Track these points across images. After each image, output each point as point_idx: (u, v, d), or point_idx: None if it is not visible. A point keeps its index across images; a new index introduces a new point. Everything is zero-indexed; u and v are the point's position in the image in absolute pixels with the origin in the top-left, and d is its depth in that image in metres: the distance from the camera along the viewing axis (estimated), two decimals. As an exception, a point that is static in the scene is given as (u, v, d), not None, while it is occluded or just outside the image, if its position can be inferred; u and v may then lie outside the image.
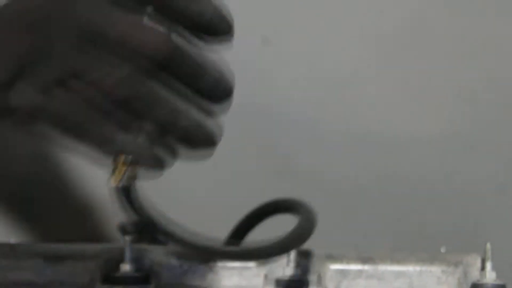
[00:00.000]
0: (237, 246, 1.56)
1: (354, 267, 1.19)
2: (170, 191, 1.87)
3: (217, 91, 1.05)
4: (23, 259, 1.20)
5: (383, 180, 2.26)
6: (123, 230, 1.21)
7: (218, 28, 1.03)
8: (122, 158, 1.08)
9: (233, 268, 1.21)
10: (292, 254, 1.17)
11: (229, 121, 1.25)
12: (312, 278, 1.16)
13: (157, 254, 1.24)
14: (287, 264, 1.16)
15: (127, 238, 1.19)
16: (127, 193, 1.11)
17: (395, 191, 2.24)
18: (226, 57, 1.13)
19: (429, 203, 2.22)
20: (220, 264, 1.21)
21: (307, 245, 1.18)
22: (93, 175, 2.15)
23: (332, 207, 2.18)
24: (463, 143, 2.29)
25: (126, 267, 1.16)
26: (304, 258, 1.19)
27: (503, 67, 2.29)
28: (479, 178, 2.26)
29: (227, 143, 1.38)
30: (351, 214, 2.24)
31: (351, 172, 2.28)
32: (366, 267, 1.19)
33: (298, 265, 1.16)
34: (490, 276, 1.15)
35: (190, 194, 2.27)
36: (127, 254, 1.17)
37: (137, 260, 1.19)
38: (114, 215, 1.19)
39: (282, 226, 1.45)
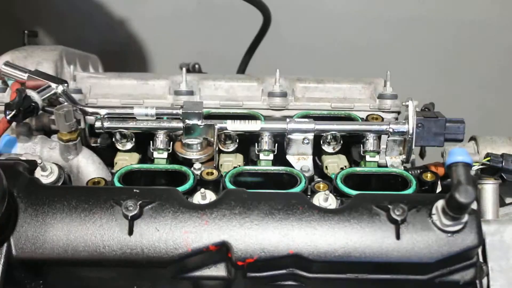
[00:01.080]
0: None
1: (313, 84, 1.23)
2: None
3: None
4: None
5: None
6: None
7: None
8: None
9: (244, 85, 1.22)
10: (277, 74, 1.19)
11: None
12: (289, 91, 1.21)
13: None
14: (275, 84, 1.20)
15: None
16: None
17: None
18: None
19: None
20: (236, 83, 1.22)
21: (287, 73, 1.23)
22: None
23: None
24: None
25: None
26: (284, 80, 1.22)
27: None
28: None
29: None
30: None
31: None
32: (319, 85, 1.23)
33: (280, 84, 1.20)
34: (388, 90, 1.20)
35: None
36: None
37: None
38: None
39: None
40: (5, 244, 0.81)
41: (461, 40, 2.18)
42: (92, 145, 1.11)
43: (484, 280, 0.87)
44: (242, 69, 1.75)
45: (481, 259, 0.88)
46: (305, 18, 2.14)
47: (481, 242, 0.84)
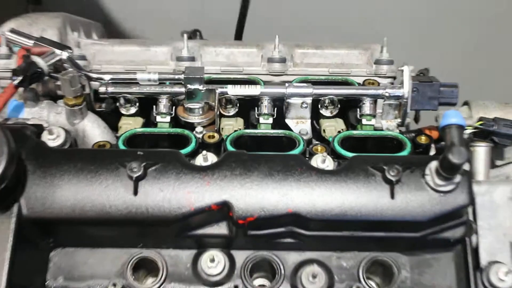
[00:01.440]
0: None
1: (311, 50, 1.22)
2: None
3: None
4: None
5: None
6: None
7: None
8: None
9: (244, 51, 1.22)
10: (277, 41, 1.19)
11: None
12: (288, 57, 1.21)
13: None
14: (274, 50, 1.19)
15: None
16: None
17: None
18: None
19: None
20: (237, 49, 1.22)
21: (285, 39, 1.22)
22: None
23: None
24: None
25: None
26: (283, 46, 1.21)
27: None
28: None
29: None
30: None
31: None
32: (318, 50, 1.22)
33: (279, 50, 1.19)
34: (385, 55, 1.20)
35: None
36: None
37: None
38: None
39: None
40: (16, 205, 0.81)
41: (455, 6, 2.15)
42: (97, 109, 1.10)
43: (474, 238, 0.89)
44: (239, 34, 1.71)
45: (471, 218, 0.89)
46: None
47: (472, 201, 0.85)
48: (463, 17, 2.17)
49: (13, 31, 1.12)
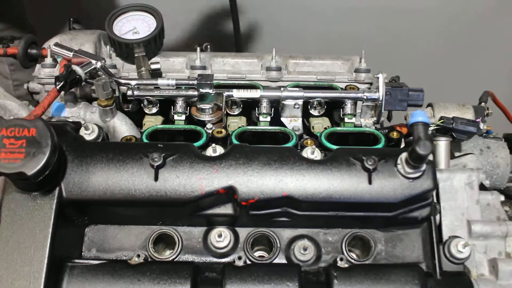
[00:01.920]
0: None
1: (302, 60, 1.19)
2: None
3: None
4: None
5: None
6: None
7: None
8: None
9: (246, 61, 1.19)
10: (274, 53, 1.16)
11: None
12: (283, 66, 1.18)
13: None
14: (272, 60, 1.16)
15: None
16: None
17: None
18: None
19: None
20: (240, 59, 1.19)
21: (281, 50, 1.18)
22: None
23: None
24: None
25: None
26: (279, 57, 1.18)
27: None
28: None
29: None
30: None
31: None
32: (307, 61, 1.19)
33: (276, 60, 1.16)
34: (363, 65, 1.17)
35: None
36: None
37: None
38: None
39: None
40: (57, 188, 0.79)
41: (421, 27, 2.13)
42: (125, 109, 1.08)
43: (437, 217, 0.86)
44: (238, 46, 1.67)
45: (435, 200, 0.87)
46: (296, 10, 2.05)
47: (436, 186, 0.82)
48: (429, 33, 2.14)
49: (56, 45, 1.11)
